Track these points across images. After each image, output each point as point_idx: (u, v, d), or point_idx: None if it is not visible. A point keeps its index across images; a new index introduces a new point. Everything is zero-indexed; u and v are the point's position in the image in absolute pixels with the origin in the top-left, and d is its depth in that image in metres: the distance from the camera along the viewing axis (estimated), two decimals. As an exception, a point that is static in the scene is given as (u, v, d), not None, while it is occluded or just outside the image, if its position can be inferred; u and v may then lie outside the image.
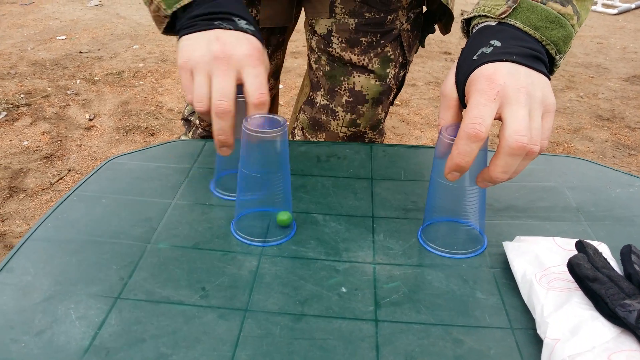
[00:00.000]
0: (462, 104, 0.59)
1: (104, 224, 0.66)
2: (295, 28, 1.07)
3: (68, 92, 2.82)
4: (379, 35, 0.93)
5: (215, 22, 0.62)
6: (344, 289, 0.58)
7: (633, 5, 4.20)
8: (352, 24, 0.93)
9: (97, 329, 0.51)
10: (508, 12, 0.59)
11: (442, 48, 3.49)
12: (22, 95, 2.75)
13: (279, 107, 2.67)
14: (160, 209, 0.69)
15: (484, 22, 0.62)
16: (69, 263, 0.60)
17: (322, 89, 0.98)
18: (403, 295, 0.57)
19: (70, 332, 0.51)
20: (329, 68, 0.96)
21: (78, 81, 2.95)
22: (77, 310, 0.53)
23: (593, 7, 4.11)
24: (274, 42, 1.02)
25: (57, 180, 2.12)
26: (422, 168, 0.80)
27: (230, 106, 0.60)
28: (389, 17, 0.92)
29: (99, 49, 3.40)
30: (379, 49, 0.94)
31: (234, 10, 0.63)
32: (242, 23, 0.62)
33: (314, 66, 0.99)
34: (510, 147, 0.52)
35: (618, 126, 2.58)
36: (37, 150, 2.31)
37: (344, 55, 0.94)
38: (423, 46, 1.03)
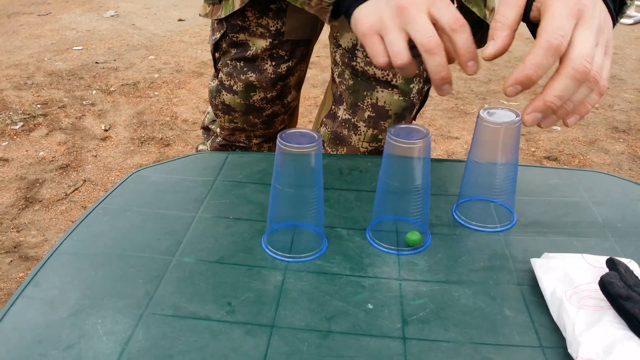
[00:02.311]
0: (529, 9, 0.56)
1: (129, 238, 0.66)
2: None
3: (84, 102, 2.84)
4: None
5: None
6: (370, 306, 0.57)
7: (648, 16, 4.17)
8: None
9: (124, 345, 0.51)
10: None
11: (455, 59, 3.49)
12: (38, 106, 2.78)
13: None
14: (184, 222, 0.69)
15: None
16: (95, 277, 0.60)
17: (344, 103, 0.99)
18: (430, 312, 0.56)
19: (98, 347, 0.51)
20: (352, 82, 0.96)
21: (94, 91, 2.97)
22: (104, 325, 0.53)
23: (607, 18, 4.10)
24: (298, 55, 1.03)
25: (73, 191, 2.14)
26: (445, 182, 0.80)
27: (437, 39, 0.56)
28: None
29: (114, 60, 3.43)
30: None
31: None
32: None
33: (337, 80, 1.00)
34: (575, 69, 0.50)
35: (634, 138, 2.56)
36: (52, 160, 2.33)
37: (368, 69, 0.94)
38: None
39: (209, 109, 1.17)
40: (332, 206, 0.74)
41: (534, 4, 0.55)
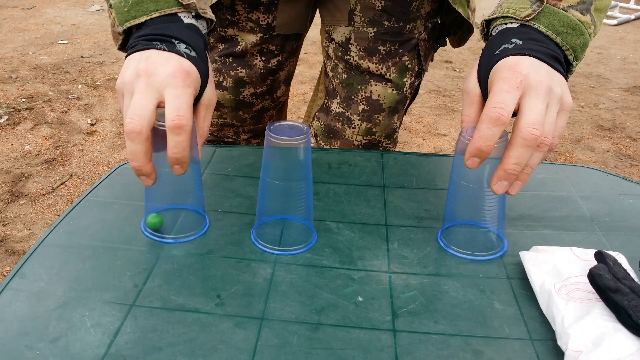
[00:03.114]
0: (485, 100, 0.59)
1: (116, 230, 0.65)
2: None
3: (69, 96, 2.81)
4: (397, 44, 0.93)
5: (153, 43, 0.59)
6: (360, 298, 0.57)
7: (633, 17, 4.23)
8: (371, 33, 0.92)
9: (112, 337, 0.51)
10: (533, 15, 0.60)
11: (443, 57, 3.49)
12: (23, 100, 2.74)
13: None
14: (172, 215, 0.68)
15: (506, 23, 0.62)
16: (82, 269, 0.59)
17: (338, 97, 0.98)
18: (420, 305, 0.56)
19: (85, 339, 0.50)
20: (345, 76, 0.96)
21: (79, 86, 2.94)
22: (91, 318, 0.53)
23: (593, 18, 4.14)
24: (288, 49, 1.02)
25: (59, 185, 2.12)
26: (435, 176, 0.80)
27: (139, 126, 0.54)
28: (407, 26, 0.92)
29: (100, 54, 3.40)
30: (397, 58, 0.94)
31: (178, 35, 0.60)
32: (182, 47, 0.60)
33: (330, 74, 0.99)
34: (523, 138, 0.53)
35: (619, 136, 2.59)
36: (38, 154, 2.30)
37: (362, 63, 0.94)
38: (432, 60, 1.04)
39: None
40: (321, 200, 0.74)
41: (488, 90, 0.58)
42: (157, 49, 0.59)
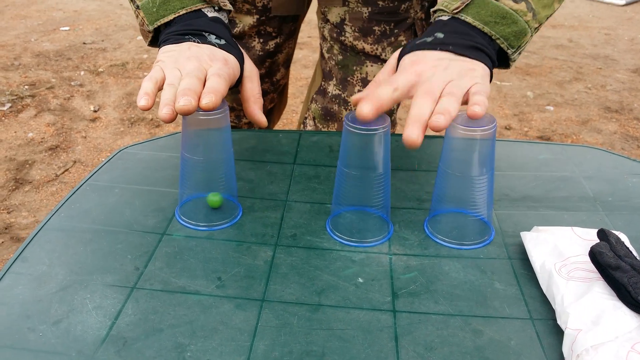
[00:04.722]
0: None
1: (117, 214, 0.66)
2: (306, 19, 1.06)
3: (72, 83, 2.81)
4: (392, 24, 0.92)
5: (186, 37, 0.66)
6: (360, 280, 0.57)
7: (640, -4, 4.17)
8: (366, 13, 0.92)
9: (114, 319, 0.51)
10: (461, 8, 0.63)
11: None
12: (26, 87, 2.74)
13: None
14: (173, 199, 0.69)
15: (440, 15, 0.66)
16: (83, 253, 0.59)
17: (334, 79, 0.98)
18: (420, 285, 0.56)
19: (87, 321, 0.51)
20: (341, 57, 0.96)
21: (82, 72, 2.94)
22: (93, 300, 0.53)
23: (600, -2, 4.08)
24: (286, 31, 1.01)
25: (63, 172, 2.12)
26: (436, 158, 0.79)
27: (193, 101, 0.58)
28: (403, 5, 0.91)
29: (102, 40, 3.39)
30: (393, 38, 0.93)
31: (206, 28, 0.67)
32: (212, 38, 0.67)
33: (326, 55, 0.99)
34: (403, 139, 0.55)
35: (627, 118, 2.57)
36: (42, 141, 2.31)
37: (357, 44, 0.93)
38: None
39: None
40: (322, 182, 0.73)
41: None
42: (191, 41, 0.66)
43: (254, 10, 0.96)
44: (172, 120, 0.57)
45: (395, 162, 0.78)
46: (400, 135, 0.86)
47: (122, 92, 2.75)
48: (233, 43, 0.69)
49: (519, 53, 0.66)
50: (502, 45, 0.64)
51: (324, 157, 0.80)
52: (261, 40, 0.99)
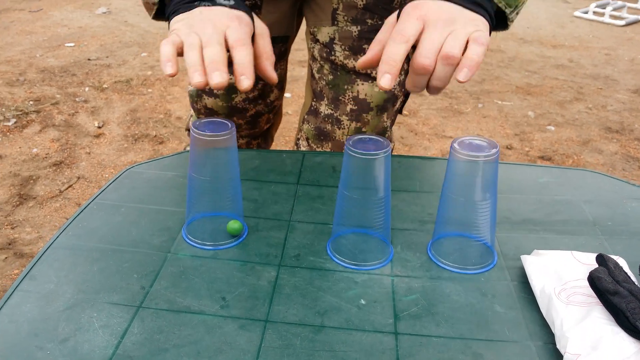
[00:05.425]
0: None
1: (124, 233, 0.67)
2: (303, 37, 1.08)
3: (77, 99, 2.84)
4: None
5: (195, 3, 0.68)
6: (363, 301, 0.58)
7: (640, 17, 4.21)
8: (355, 31, 0.93)
9: (120, 338, 0.52)
10: None
11: (449, 58, 3.50)
12: (31, 102, 2.77)
13: (287, 116, 2.67)
14: (179, 218, 0.70)
15: None
16: (90, 271, 0.60)
17: (325, 98, 0.99)
18: (422, 308, 0.57)
19: (94, 340, 0.51)
20: (332, 77, 0.97)
21: (87, 88, 2.96)
22: (100, 319, 0.54)
23: (601, 19, 4.12)
24: (276, 52, 1.02)
25: (67, 188, 2.13)
26: (438, 180, 0.80)
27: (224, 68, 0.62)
28: None
29: (107, 57, 3.42)
30: None
31: None
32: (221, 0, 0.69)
33: (317, 75, 1.00)
34: (414, 68, 0.59)
35: (627, 138, 2.58)
36: (46, 157, 2.32)
37: (347, 63, 0.94)
38: None
39: (192, 111, 1.16)
40: (325, 203, 0.74)
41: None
42: (202, 6, 0.67)
43: None
44: (204, 87, 0.61)
45: (397, 183, 0.79)
46: (402, 156, 0.88)
47: (126, 108, 2.77)
48: (241, 2, 0.70)
49: (517, 13, 0.67)
50: (499, 4, 0.65)
51: (327, 177, 0.81)
52: None
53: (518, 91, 3.04)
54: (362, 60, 0.66)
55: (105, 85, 3.01)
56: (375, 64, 0.64)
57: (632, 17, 4.23)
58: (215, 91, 1.03)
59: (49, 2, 4.56)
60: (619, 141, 2.57)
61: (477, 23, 0.61)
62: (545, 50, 3.70)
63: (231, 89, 1.02)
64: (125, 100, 2.85)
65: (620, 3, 4.26)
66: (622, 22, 4.17)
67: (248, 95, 1.04)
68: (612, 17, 4.19)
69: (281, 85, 1.11)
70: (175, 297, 0.57)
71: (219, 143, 0.62)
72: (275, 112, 1.15)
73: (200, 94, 1.05)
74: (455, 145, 0.59)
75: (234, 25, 0.65)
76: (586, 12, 4.25)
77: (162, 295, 0.57)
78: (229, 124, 0.62)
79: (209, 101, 1.05)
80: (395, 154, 1.06)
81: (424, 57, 0.58)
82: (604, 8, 4.18)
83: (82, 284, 0.58)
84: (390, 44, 0.59)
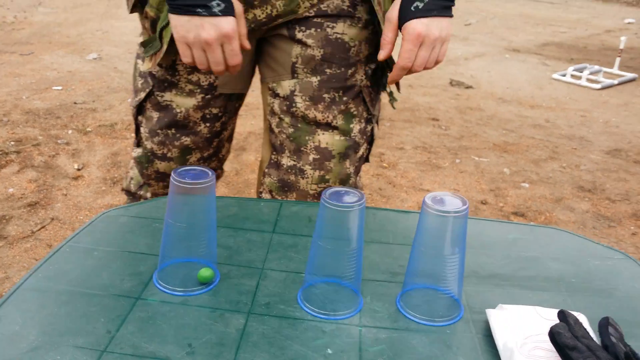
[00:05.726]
0: (399, 28, 0.89)
1: (94, 277, 0.67)
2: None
3: (59, 141, 2.84)
4: (341, 91, 0.97)
5: (192, 9, 0.79)
6: (329, 350, 0.58)
7: (616, 82, 4.37)
8: (315, 82, 0.96)
9: (82, 383, 0.51)
10: None
11: (430, 115, 3.58)
12: (12, 143, 2.76)
13: (255, 161, 2.70)
14: (151, 263, 0.70)
15: None
16: (57, 314, 0.60)
17: (287, 150, 1.01)
18: (387, 359, 0.58)
19: (55, 384, 0.51)
20: (292, 130, 0.99)
21: (70, 131, 2.97)
22: (63, 363, 0.53)
23: (578, 82, 4.27)
24: (231, 109, 1.04)
25: (39, 229, 2.11)
26: (411, 233, 0.82)
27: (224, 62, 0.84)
28: (349, 71, 0.96)
29: (93, 101, 3.45)
30: (342, 105, 0.97)
31: None
32: (214, 5, 0.80)
33: (276, 130, 1.02)
34: (400, 66, 0.88)
35: (599, 198, 2.64)
36: (21, 197, 2.31)
37: (308, 113, 0.97)
38: (393, 107, 1.09)
39: (132, 173, 1.13)
40: (299, 252, 0.75)
41: (402, 31, 0.88)
42: (201, 15, 0.80)
43: (198, 90, 0.98)
44: (224, 72, 0.86)
45: (371, 235, 0.81)
46: (377, 208, 0.89)
47: (108, 151, 2.78)
48: (230, 5, 0.81)
49: None
50: None
51: (302, 227, 0.82)
52: (207, 124, 1.02)
53: (495, 148, 3.12)
54: (381, 56, 0.91)
55: (89, 129, 3.02)
56: (388, 57, 0.92)
57: (608, 82, 4.40)
58: (168, 155, 1.03)
59: (41, 46, 4.62)
60: (591, 200, 2.63)
61: (446, 30, 0.87)
62: (523, 110, 3.82)
63: (186, 150, 1.03)
64: (108, 144, 2.86)
65: (597, 67, 4.43)
66: (598, 86, 4.33)
67: (203, 154, 1.05)
68: (589, 80, 4.36)
69: (230, 139, 1.13)
70: (141, 343, 0.57)
71: (198, 190, 0.63)
72: (221, 166, 1.17)
73: (151, 159, 1.04)
74: (427, 200, 0.61)
75: (227, 44, 0.83)
76: (564, 75, 4.41)
77: (128, 340, 0.57)
78: (209, 172, 0.64)
79: (161, 165, 1.04)
80: (371, 205, 1.08)
81: (408, 60, 0.88)
82: (582, 72, 4.35)
83: (48, 327, 0.58)
84: (397, 70, 0.90)
